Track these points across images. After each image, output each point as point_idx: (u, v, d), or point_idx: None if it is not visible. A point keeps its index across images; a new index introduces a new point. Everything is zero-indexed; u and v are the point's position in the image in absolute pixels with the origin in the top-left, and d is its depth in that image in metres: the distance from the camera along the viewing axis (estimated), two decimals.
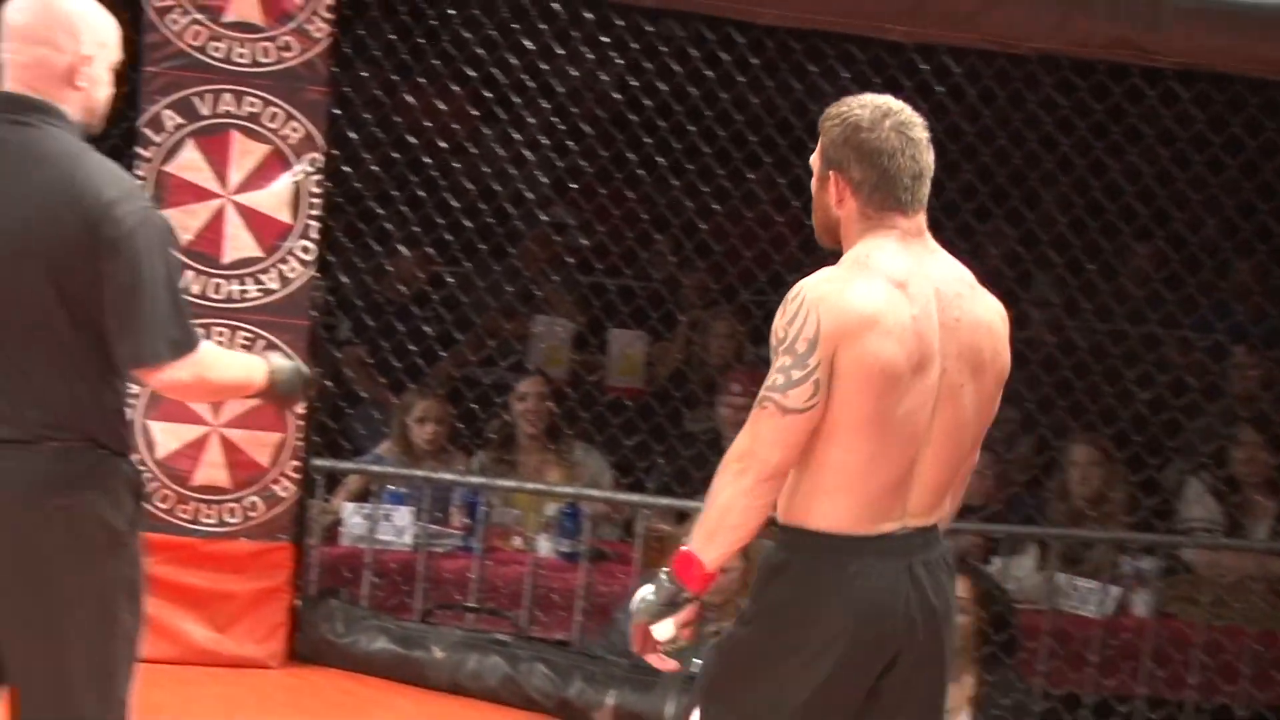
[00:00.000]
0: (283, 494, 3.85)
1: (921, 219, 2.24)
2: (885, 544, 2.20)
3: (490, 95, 4.16)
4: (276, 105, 3.80)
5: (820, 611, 2.20)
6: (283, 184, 3.83)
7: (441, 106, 4.28)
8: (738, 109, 4.17)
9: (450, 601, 4.04)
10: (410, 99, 4.18)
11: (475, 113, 4.46)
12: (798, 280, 2.18)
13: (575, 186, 4.39)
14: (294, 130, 3.82)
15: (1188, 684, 4.03)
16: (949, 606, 2.27)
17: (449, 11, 4.04)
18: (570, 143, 4.25)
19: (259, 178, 3.83)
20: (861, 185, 2.19)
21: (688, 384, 4.62)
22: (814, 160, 2.26)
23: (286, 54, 3.80)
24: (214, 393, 2.63)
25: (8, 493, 2.18)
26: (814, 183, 2.27)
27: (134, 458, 2.34)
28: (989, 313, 2.27)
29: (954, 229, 3.69)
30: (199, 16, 3.79)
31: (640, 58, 4.10)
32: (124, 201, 2.18)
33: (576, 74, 4.28)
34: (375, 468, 4.22)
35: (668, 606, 2.18)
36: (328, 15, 3.81)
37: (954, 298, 2.24)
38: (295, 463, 3.86)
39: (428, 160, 4.14)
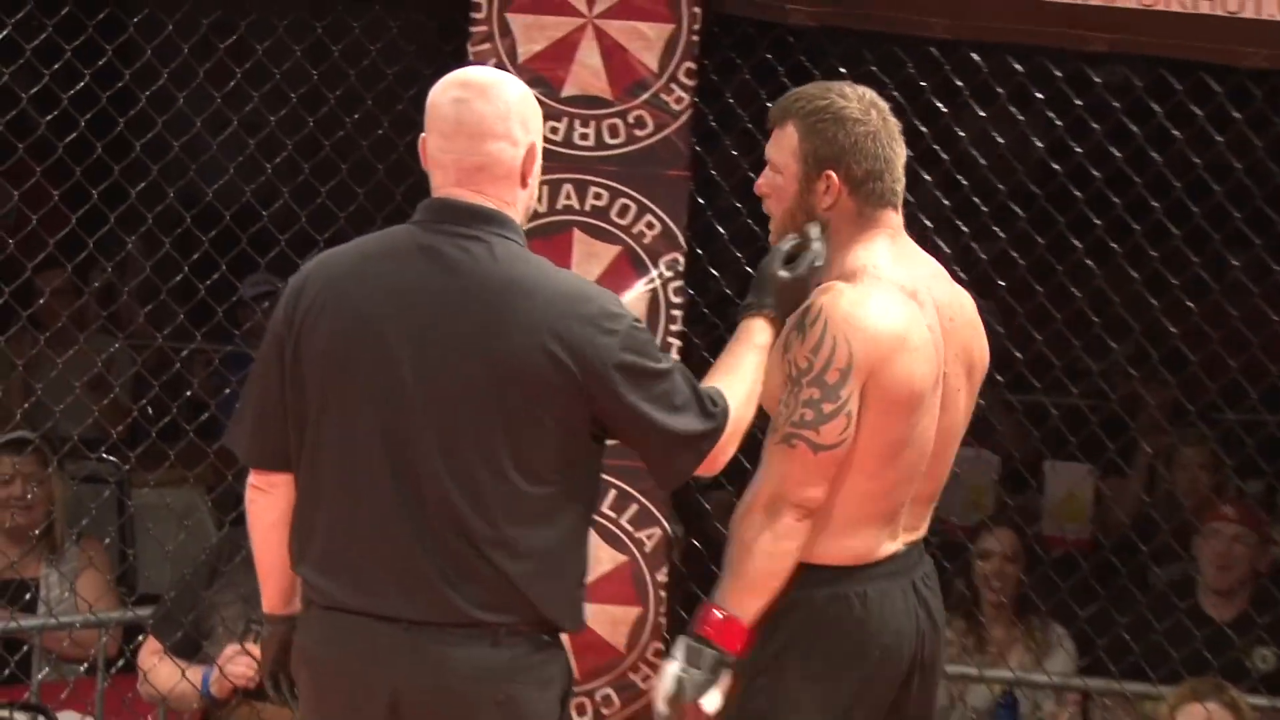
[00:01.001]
0: (642, 685, 3.34)
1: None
2: (892, 565, 2.25)
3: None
4: (627, 196, 3.41)
5: (848, 646, 2.22)
6: (635, 293, 3.42)
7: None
8: (1216, 177, 3.60)
9: None
10: None
11: None
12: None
13: (1002, 284, 3.78)
14: (649, 226, 3.42)
15: None
16: (943, 619, 2.35)
17: (840, 70, 3.48)
18: (990, 223, 3.70)
19: (607, 286, 3.37)
20: (863, 182, 2.23)
21: (1153, 531, 4.01)
22: (785, 160, 2.27)
23: (639, 132, 3.40)
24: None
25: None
26: (784, 183, 2.27)
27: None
28: (972, 308, 2.36)
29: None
30: (533, 91, 3.38)
31: (1084, 114, 3.57)
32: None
33: (1001, 139, 3.69)
34: None
35: (712, 676, 2.15)
36: (688, 82, 3.39)
37: (946, 299, 2.32)
38: (658, 645, 3.37)
39: None
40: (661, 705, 2.22)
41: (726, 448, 2.13)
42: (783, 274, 2.23)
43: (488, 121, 2.08)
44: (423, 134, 2.16)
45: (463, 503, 2.00)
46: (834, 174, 2.23)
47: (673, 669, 2.23)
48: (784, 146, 2.34)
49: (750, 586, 2.17)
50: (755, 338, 2.22)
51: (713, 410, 2.07)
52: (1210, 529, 3.98)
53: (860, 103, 2.27)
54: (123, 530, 4.44)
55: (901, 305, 2.21)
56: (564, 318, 2.01)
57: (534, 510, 2.02)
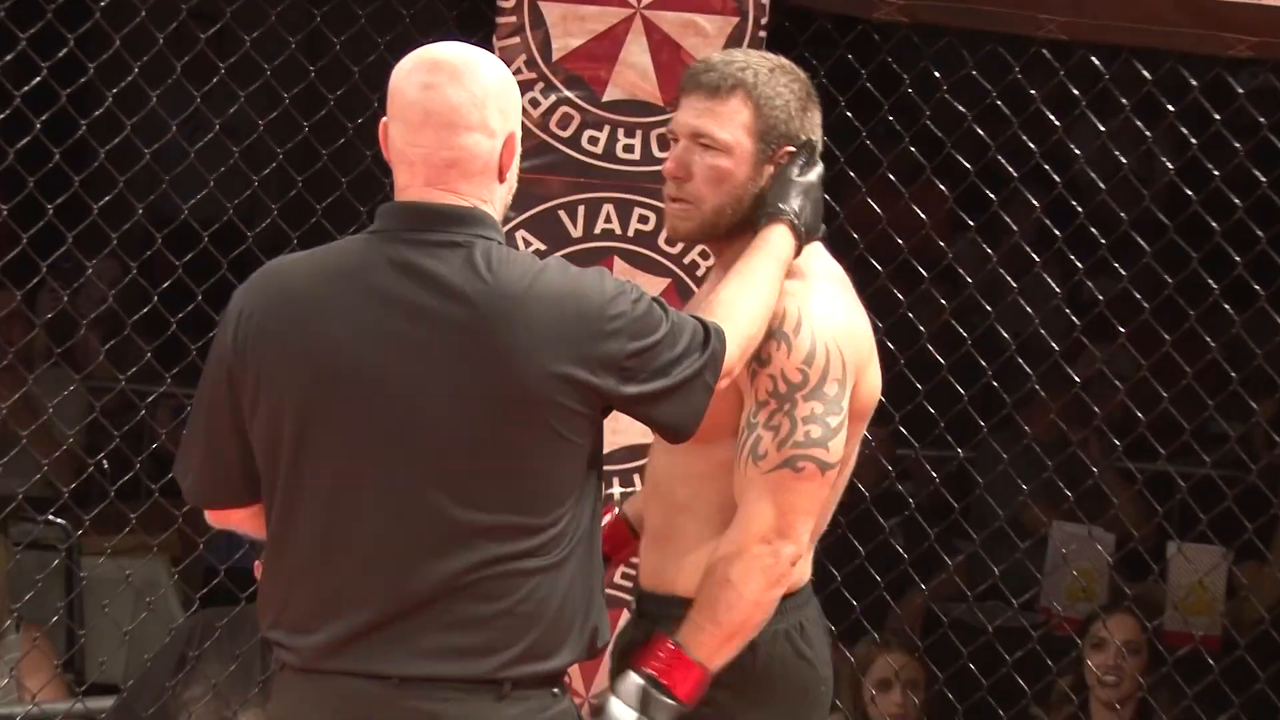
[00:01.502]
0: None
1: None
2: (809, 589, 2.32)
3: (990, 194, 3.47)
4: None
5: (798, 688, 2.25)
6: None
7: (920, 213, 3.61)
8: None
9: None
10: (874, 204, 3.54)
11: (970, 220, 3.88)
12: None
13: (1122, 330, 3.65)
14: (703, 255, 3.13)
15: None
16: None
17: (934, 73, 3.46)
18: (1108, 257, 3.58)
19: None
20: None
21: None
22: (737, 138, 2.25)
23: None
24: None
25: None
26: (731, 166, 2.25)
27: None
28: None
29: None
30: (568, 95, 3.24)
31: (1223, 130, 3.40)
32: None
33: (1123, 158, 3.55)
34: None
35: None
36: None
37: None
38: None
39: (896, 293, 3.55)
40: None
41: (734, 370, 2.19)
42: (805, 178, 2.27)
43: (461, 110, 2.04)
44: (383, 119, 2.11)
45: (460, 545, 2.01)
46: (796, 150, 2.28)
47: (616, 712, 2.19)
48: (735, 121, 2.28)
49: (731, 637, 2.15)
50: (775, 247, 2.23)
51: (710, 341, 2.11)
52: None
53: (800, 73, 2.34)
54: (71, 607, 4.25)
55: (857, 305, 2.29)
56: (565, 329, 2.01)
57: (540, 546, 2.02)
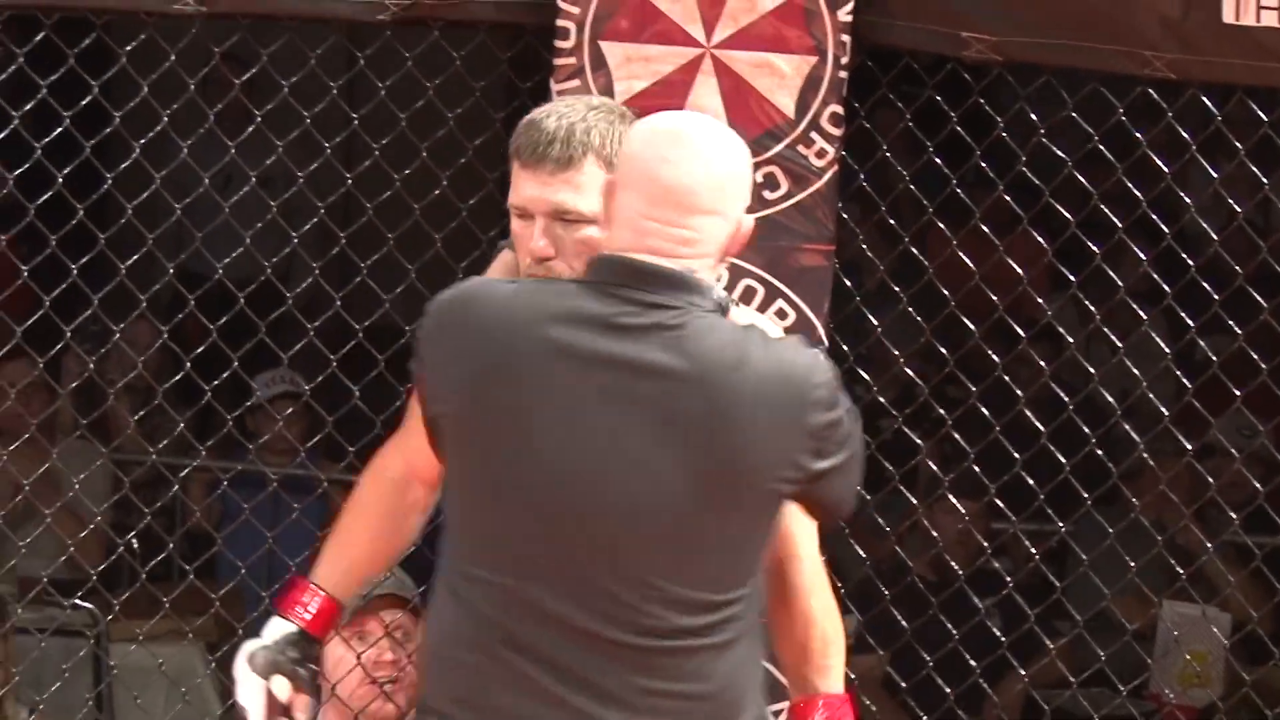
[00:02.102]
0: None
1: None
2: None
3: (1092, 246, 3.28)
4: (754, 277, 3.12)
5: None
6: None
7: (1016, 267, 3.47)
8: None
9: None
10: (966, 257, 3.42)
11: (1070, 275, 3.74)
12: None
13: (1237, 393, 3.48)
14: (780, 315, 3.05)
15: None
16: None
17: (1030, 115, 3.30)
18: (1223, 314, 3.39)
19: None
20: None
21: None
22: (601, 205, 2.24)
23: (769, 195, 3.08)
24: None
25: None
26: (596, 234, 2.28)
27: None
28: None
29: None
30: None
31: None
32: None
33: (1239, 207, 3.51)
34: None
35: None
36: (833, 131, 3.04)
37: None
38: None
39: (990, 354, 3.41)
40: None
41: None
42: None
43: (702, 193, 2.09)
44: (609, 177, 2.22)
45: (643, 633, 2.09)
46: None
47: None
48: (594, 189, 2.25)
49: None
50: None
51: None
52: None
53: (628, 110, 2.37)
54: (100, 698, 4.19)
55: None
56: (780, 402, 2.09)
57: (714, 624, 2.10)
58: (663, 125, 2.18)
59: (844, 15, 3.14)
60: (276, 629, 2.38)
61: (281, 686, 2.32)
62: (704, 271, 2.12)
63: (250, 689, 2.37)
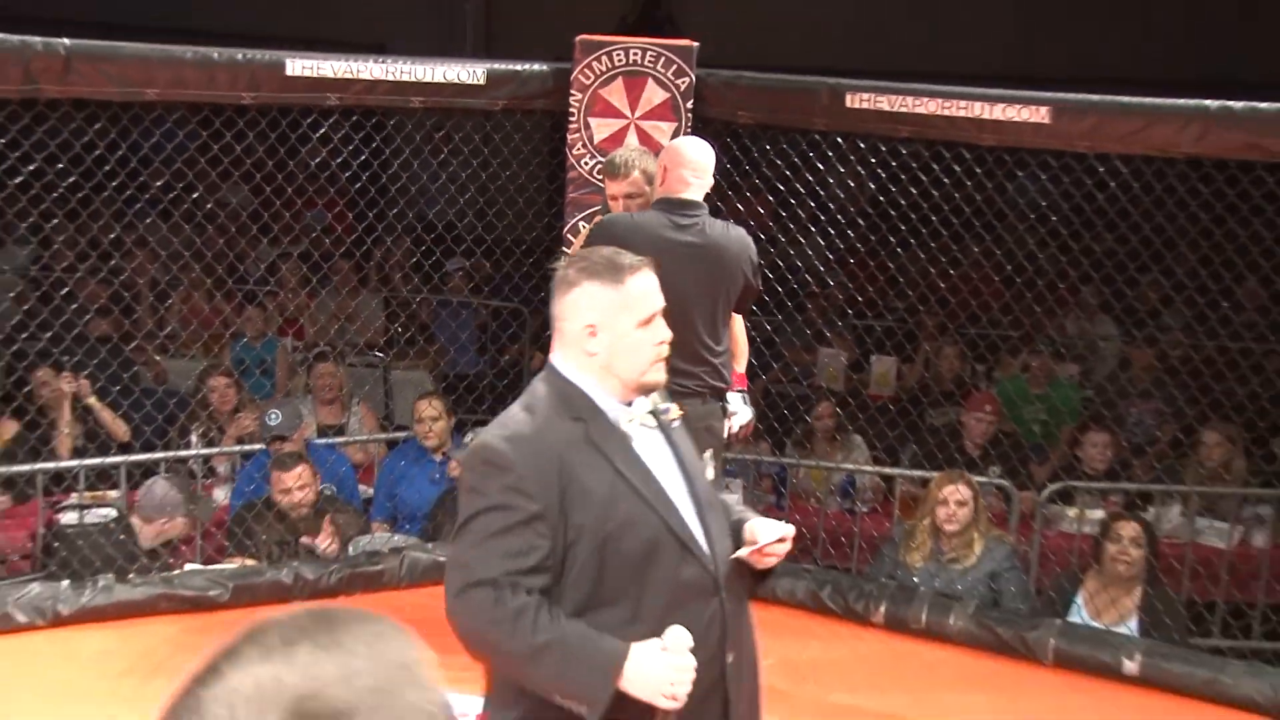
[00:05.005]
0: None
1: None
2: None
3: (793, 201, 5.96)
4: None
5: None
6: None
7: (760, 210, 6.25)
8: (967, 203, 5.81)
9: None
10: (740, 205, 6.00)
11: (783, 213, 6.22)
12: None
13: (852, 261, 6.31)
14: None
15: None
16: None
17: (766, 147, 5.94)
18: (849, 231, 5.95)
19: None
20: None
21: (928, 393, 6.63)
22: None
23: None
24: None
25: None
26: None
27: None
28: None
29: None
30: (601, 160, 5.63)
31: (898, 171, 5.76)
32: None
33: (853, 184, 6.12)
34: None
35: None
36: None
37: None
38: None
39: None
40: None
41: None
42: None
43: (703, 166, 4.16)
44: (659, 163, 4.28)
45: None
46: None
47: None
48: (639, 183, 4.20)
49: None
50: None
51: None
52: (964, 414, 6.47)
53: None
54: None
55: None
56: (745, 250, 4.08)
57: (723, 349, 4.05)
58: (682, 140, 4.13)
59: (688, 106, 5.63)
60: None
61: None
62: (702, 199, 3.97)
63: None
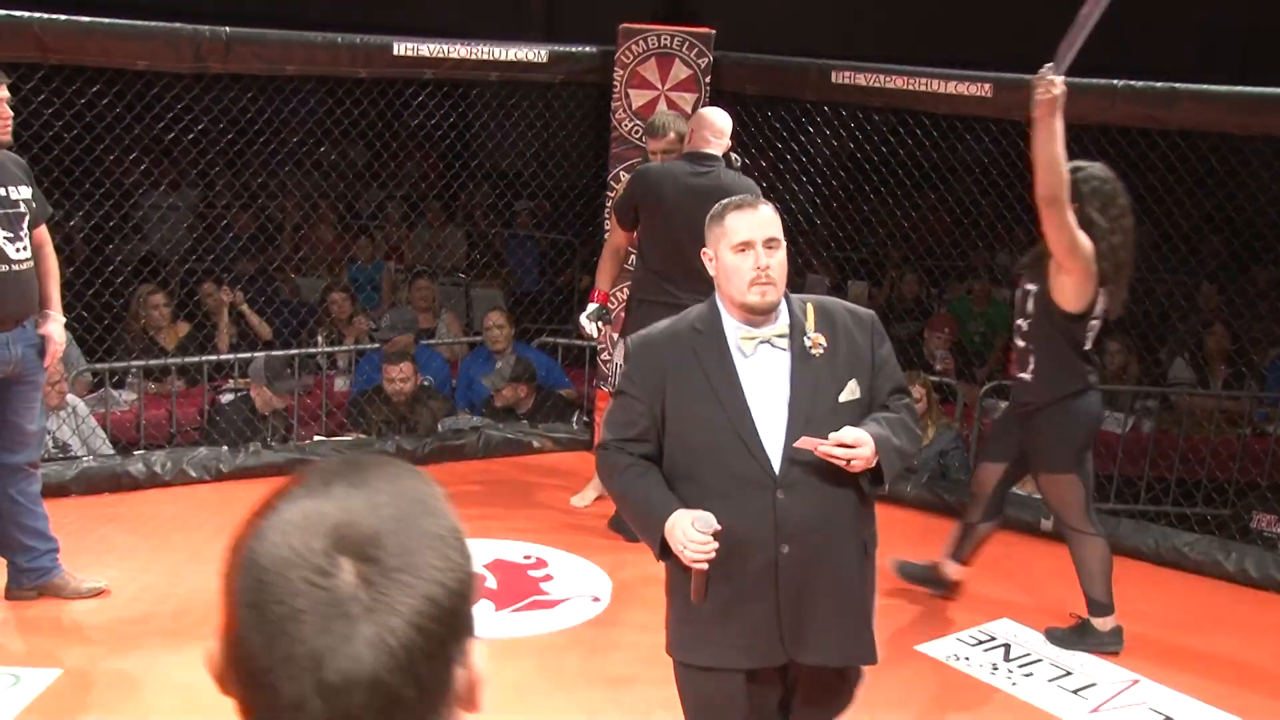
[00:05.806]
0: None
1: None
2: None
3: (788, 156, 6.90)
4: None
5: None
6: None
7: (763, 163, 7.08)
8: (925, 160, 6.72)
9: None
10: (746, 160, 6.38)
11: (780, 166, 7.03)
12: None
13: (834, 204, 7.17)
14: None
15: (1173, 467, 6.62)
16: None
17: (767, 114, 6.81)
18: (832, 181, 6.83)
19: None
20: None
21: (893, 309, 7.58)
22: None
23: None
24: None
25: None
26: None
27: None
28: None
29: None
30: (638, 122, 6.58)
31: (871, 133, 6.57)
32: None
33: (835, 144, 6.91)
34: None
35: None
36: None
37: None
38: None
39: None
40: None
41: None
42: None
43: (723, 126, 4.92)
44: (689, 125, 5.04)
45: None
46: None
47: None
48: (676, 140, 4.64)
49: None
50: None
51: None
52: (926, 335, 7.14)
53: None
54: None
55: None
56: (749, 192, 4.10)
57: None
58: (708, 109, 4.82)
59: (707, 80, 6.23)
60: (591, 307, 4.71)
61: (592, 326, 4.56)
62: (720, 155, 4.70)
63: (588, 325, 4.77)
